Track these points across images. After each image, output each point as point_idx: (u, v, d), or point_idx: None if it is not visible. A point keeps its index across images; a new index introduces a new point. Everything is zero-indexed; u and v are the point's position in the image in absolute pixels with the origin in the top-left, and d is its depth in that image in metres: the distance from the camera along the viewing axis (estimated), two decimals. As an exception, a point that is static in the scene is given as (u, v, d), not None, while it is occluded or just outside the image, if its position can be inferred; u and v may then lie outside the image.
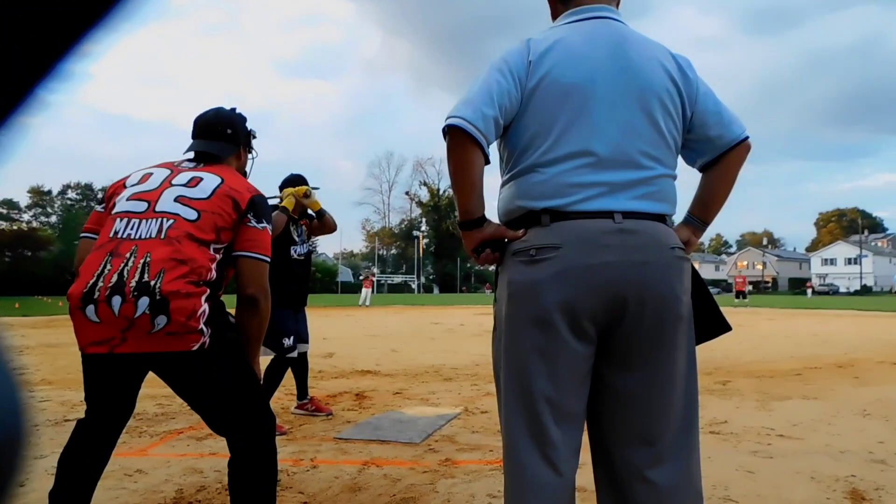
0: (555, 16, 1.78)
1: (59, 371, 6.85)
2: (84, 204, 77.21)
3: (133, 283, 1.79)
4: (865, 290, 68.81)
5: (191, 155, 2.19)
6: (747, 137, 1.71)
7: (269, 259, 2.05)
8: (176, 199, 1.96)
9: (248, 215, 2.00)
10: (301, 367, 4.52)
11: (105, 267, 1.84)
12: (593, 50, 1.59)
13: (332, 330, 13.38)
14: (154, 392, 5.35)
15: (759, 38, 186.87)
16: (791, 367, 7.35)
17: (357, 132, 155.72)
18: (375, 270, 35.62)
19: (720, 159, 1.72)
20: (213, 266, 1.93)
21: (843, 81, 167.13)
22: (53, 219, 74.30)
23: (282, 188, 4.30)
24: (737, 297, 27.50)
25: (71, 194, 79.00)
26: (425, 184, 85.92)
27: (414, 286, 74.41)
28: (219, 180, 2.02)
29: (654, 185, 1.59)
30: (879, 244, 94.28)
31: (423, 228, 78.28)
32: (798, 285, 77.52)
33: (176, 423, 4.26)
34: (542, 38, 1.63)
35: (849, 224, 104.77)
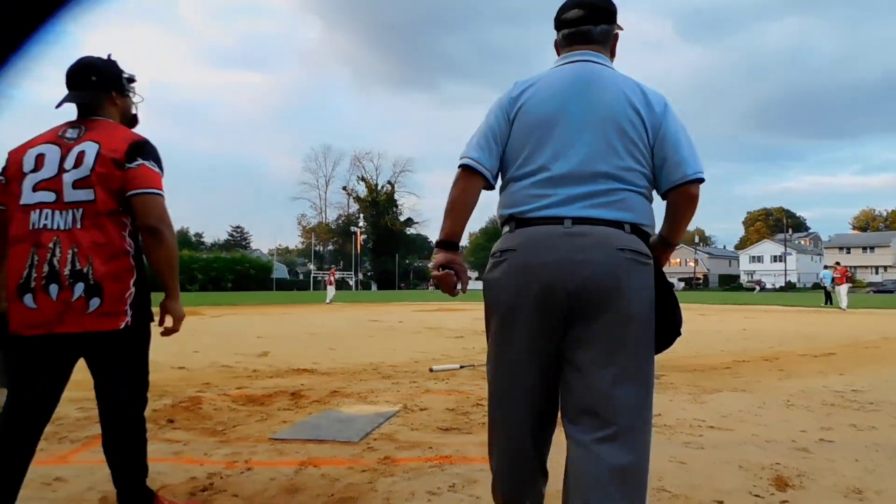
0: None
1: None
2: None
3: (67, 272, 2.05)
4: (790, 287, 71.89)
5: (73, 113, 2.29)
6: (695, 180, 1.91)
7: (158, 192, 2.19)
8: (75, 185, 2.11)
9: (126, 162, 2.15)
10: None
11: (33, 258, 2.07)
12: (565, 87, 1.93)
13: (267, 328, 13.12)
14: (76, 395, 5.10)
15: (695, 43, 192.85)
16: (721, 361, 7.60)
17: (294, 126, 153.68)
18: (334, 267, 34.65)
19: (668, 194, 1.95)
20: (128, 234, 2.18)
21: (772, 88, 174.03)
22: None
23: None
24: None
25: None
26: (363, 179, 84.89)
27: (352, 283, 73.88)
28: (96, 147, 2.15)
29: (611, 196, 1.84)
30: (802, 242, 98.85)
31: (361, 224, 77.57)
32: (728, 282, 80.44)
33: (99, 428, 4.06)
34: (527, 79, 2.01)
35: (775, 223, 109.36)
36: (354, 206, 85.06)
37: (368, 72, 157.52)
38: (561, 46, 2.11)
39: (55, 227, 2.10)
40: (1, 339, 2.17)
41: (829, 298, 25.53)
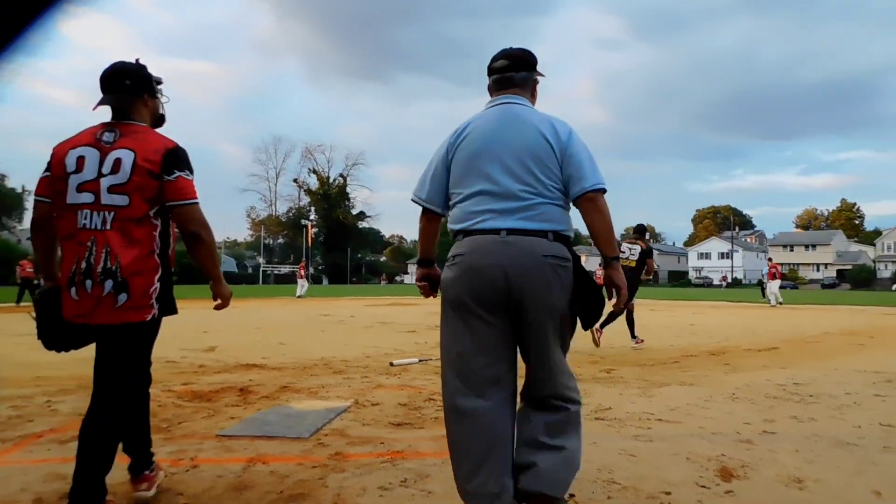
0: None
1: None
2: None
3: (99, 269, 2.31)
4: (736, 283, 73.98)
5: (108, 115, 2.51)
6: (594, 191, 2.33)
7: (195, 201, 2.46)
8: (110, 190, 2.34)
9: (164, 175, 2.39)
10: None
11: (77, 255, 2.34)
12: (492, 126, 2.44)
13: (214, 322, 12.84)
14: (8, 393, 4.91)
15: (650, 42, 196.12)
16: (670, 356, 7.76)
17: (244, 116, 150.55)
18: (304, 261, 33.87)
19: (576, 202, 2.38)
20: (157, 234, 2.44)
21: (721, 87, 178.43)
22: None
23: None
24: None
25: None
26: (315, 171, 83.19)
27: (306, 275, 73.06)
28: (132, 156, 2.37)
29: (535, 210, 2.32)
30: (749, 240, 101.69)
31: (313, 217, 76.34)
32: (677, 278, 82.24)
33: (34, 427, 3.90)
34: (464, 122, 2.52)
35: (722, 221, 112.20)
36: (306, 199, 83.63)
37: (322, 63, 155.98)
38: (491, 90, 2.59)
39: (93, 226, 2.35)
40: (39, 309, 2.53)
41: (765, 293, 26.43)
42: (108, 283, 2.32)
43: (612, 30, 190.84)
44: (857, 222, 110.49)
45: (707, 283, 75.09)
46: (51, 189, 2.42)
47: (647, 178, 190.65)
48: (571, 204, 2.41)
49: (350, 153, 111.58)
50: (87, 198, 2.35)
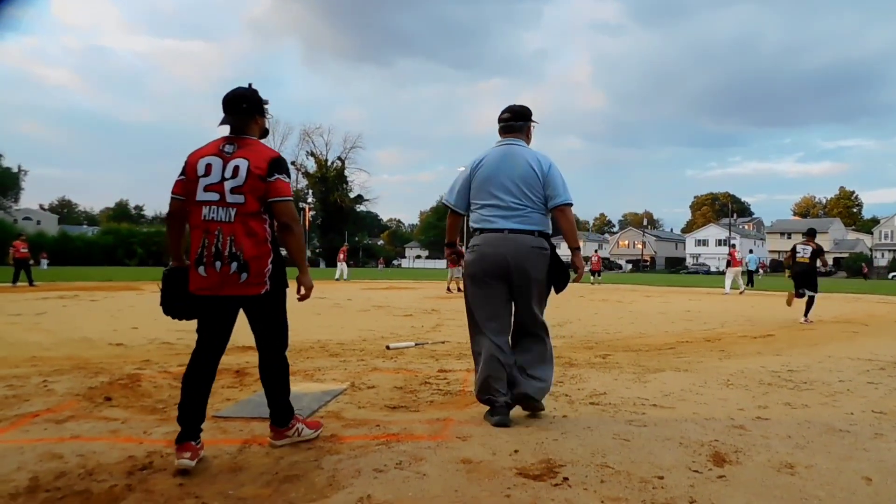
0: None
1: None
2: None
3: (227, 253, 2.94)
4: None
5: (226, 130, 3.14)
6: (564, 204, 3.72)
7: (289, 198, 3.07)
8: (232, 191, 2.96)
9: (267, 178, 2.99)
10: None
11: (204, 241, 2.97)
12: (497, 160, 3.77)
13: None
14: (4, 373, 4.92)
15: (650, 28, 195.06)
16: (665, 342, 7.79)
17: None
18: (346, 245, 33.41)
19: (551, 212, 3.77)
20: (267, 226, 3.04)
21: (721, 74, 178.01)
22: None
23: None
24: (592, 275, 29.21)
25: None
26: (312, 154, 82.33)
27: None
28: (247, 164, 2.98)
29: (526, 216, 3.68)
30: (746, 227, 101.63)
31: (310, 200, 75.95)
32: (674, 264, 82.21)
33: (30, 406, 3.90)
34: (481, 154, 3.85)
35: (720, 208, 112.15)
36: (303, 182, 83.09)
37: (321, 45, 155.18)
38: (500, 132, 3.93)
39: (219, 219, 2.96)
40: (165, 284, 3.19)
41: (751, 280, 26.47)
42: (234, 265, 2.94)
43: (612, 14, 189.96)
44: (854, 210, 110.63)
45: (704, 272, 74.97)
46: (184, 189, 3.05)
47: (646, 164, 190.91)
48: (550, 212, 3.77)
49: (348, 136, 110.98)
50: (213, 196, 2.97)
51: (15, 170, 73.39)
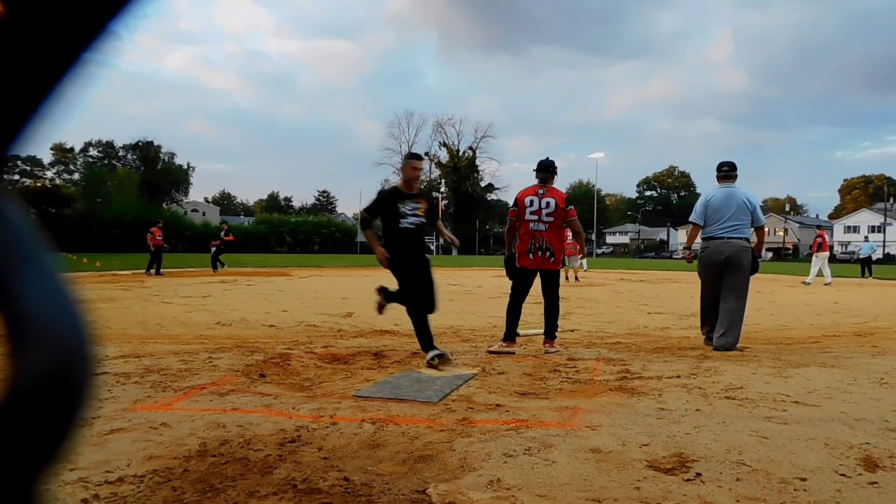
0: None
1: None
2: (106, 162, 77.72)
3: (545, 246, 5.77)
4: (889, 259, 67.67)
5: (539, 183, 6.05)
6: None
7: (575, 219, 5.94)
8: (545, 216, 5.78)
9: (564, 209, 5.83)
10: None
11: (531, 242, 5.78)
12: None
13: (351, 290, 13.48)
14: (177, 349, 5.47)
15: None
16: (809, 335, 7.34)
17: (379, 92, 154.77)
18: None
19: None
20: (565, 233, 6.02)
21: (880, 44, 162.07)
22: (76, 176, 74.85)
23: None
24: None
25: (93, 152, 79.31)
26: (445, 144, 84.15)
27: (433, 248, 74.56)
28: (554, 201, 5.80)
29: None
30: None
31: (443, 189, 77.48)
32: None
33: (199, 379, 4.34)
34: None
35: (874, 191, 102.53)
36: (436, 172, 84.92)
37: (455, 36, 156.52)
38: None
39: (539, 230, 5.79)
40: (509, 268, 6.04)
41: (869, 270, 23.78)
42: (548, 253, 5.78)
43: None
44: None
45: (854, 259, 68.94)
46: (517, 214, 5.90)
47: (789, 145, 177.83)
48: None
49: (479, 126, 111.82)
50: (534, 217, 5.80)
51: (185, 167, 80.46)
